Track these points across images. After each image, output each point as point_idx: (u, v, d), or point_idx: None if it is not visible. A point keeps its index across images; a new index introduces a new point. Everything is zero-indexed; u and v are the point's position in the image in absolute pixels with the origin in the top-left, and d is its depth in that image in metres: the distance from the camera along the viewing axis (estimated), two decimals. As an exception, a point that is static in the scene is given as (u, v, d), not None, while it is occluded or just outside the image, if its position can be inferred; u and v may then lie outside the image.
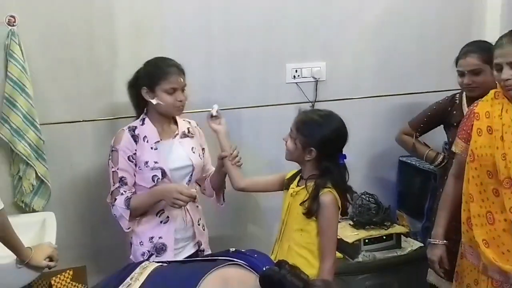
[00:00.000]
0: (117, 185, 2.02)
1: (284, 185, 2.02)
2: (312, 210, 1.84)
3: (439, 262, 2.10)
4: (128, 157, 2.02)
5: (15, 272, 1.78)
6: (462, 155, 2.00)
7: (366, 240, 2.60)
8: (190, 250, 2.14)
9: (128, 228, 2.04)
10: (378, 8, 2.75)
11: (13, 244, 1.71)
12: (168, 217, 2.07)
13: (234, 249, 1.32)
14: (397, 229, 2.69)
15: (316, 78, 2.70)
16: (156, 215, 2.07)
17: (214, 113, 2.18)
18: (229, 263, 1.23)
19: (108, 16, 2.36)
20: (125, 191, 2.02)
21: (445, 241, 2.10)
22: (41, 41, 2.27)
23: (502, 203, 1.81)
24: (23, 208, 2.29)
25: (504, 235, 1.82)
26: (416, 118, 2.56)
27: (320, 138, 1.85)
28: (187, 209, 2.09)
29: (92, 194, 2.39)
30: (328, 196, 1.84)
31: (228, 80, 2.59)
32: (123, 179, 2.02)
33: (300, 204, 1.87)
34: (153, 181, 2.02)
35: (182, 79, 2.05)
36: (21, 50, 2.19)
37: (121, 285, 1.23)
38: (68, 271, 2.34)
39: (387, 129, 2.84)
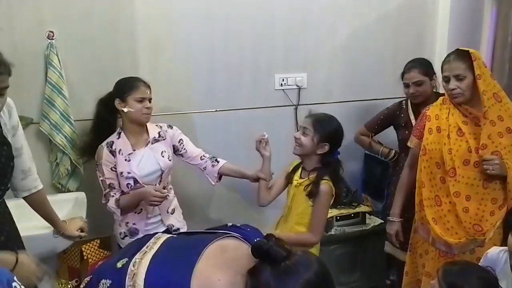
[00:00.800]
0: (107, 190, 1.98)
1: (288, 179, 1.97)
2: (312, 192, 1.81)
3: (395, 235, 2.11)
4: (110, 168, 1.97)
5: (53, 240, 1.76)
6: (416, 149, 2.01)
7: (338, 217, 2.60)
8: (159, 229, 2.07)
9: (120, 217, 2.04)
10: (346, 31, 2.75)
11: (51, 218, 1.69)
12: (141, 208, 2.03)
13: (231, 224, 1.31)
14: (362, 208, 2.69)
15: (299, 86, 2.68)
16: (138, 203, 2.02)
17: (265, 140, 2.02)
18: (227, 235, 1.21)
19: (130, 34, 2.33)
20: (115, 194, 1.98)
21: (400, 219, 2.10)
22: (75, 52, 2.24)
23: (447, 188, 1.82)
24: (60, 189, 2.26)
25: (449, 215, 1.83)
26: (371, 121, 2.56)
27: (333, 135, 1.85)
28: None
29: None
30: (325, 185, 1.81)
31: (226, 86, 2.57)
32: (111, 185, 1.98)
33: (304, 189, 1.84)
34: (127, 187, 1.97)
35: (149, 92, 1.99)
36: (59, 60, 2.16)
37: (139, 252, 1.20)
38: (96, 240, 2.32)
39: (355, 128, 2.83)
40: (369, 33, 2.80)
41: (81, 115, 2.27)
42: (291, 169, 1.99)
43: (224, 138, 2.61)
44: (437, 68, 2.92)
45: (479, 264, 1.64)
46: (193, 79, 2.49)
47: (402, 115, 2.40)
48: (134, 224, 2.04)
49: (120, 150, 1.98)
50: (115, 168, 1.97)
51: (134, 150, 1.99)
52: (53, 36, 2.15)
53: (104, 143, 1.99)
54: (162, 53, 2.40)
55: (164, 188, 2.02)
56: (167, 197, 2.00)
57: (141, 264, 1.15)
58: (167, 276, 1.10)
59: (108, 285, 1.15)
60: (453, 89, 1.79)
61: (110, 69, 2.29)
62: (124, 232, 2.05)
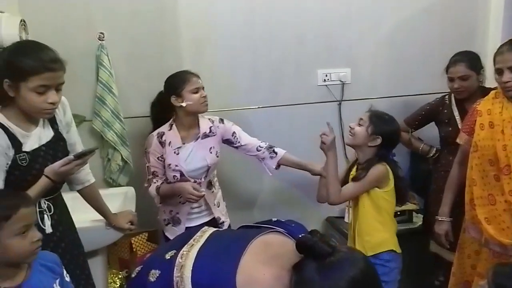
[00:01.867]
0: (150, 176, 2.05)
1: (346, 179, 1.94)
2: (361, 173, 1.81)
3: (445, 235, 2.02)
4: (157, 158, 2.02)
5: (104, 232, 1.82)
6: (465, 146, 1.91)
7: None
8: (204, 218, 2.12)
9: (160, 203, 2.09)
10: (390, 24, 2.66)
11: (102, 210, 1.75)
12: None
13: (275, 219, 1.31)
14: (409, 206, 2.60)
15: (342, 82, 2.63)
16: (178, 196, 2.04)
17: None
18: (271, 230, 1.22)
19: (174, 35, 2.37)
20: (157, 181, 2.04)
21: (450, 218, 2.01)
22: (123, 52, 2.31)
23: (502, 187, 1.72)
24: (111, 183, 2.35)
25: (504, 214, 1.72)
26: (411, 116, 2.44)
27: (387, 130, 1.84)
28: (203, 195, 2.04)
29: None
30: (380, 166, 1.81)
31: (269, 83, 2.56)
32: (154, 172, 2.04)
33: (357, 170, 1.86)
34: (174, 179, 2.01)
35: (200, 81, 2.01)
36: (109, 60, 2.24)
37: (186, 245, 1.23)
38: (144, 233, 2.39)
39: (400, 123, 2.75)
40: (414, 26, 2.69)
41: (129, 112, 2.35)
42: (348, 167, 1.98)
43: (267, 135, 2.57)
44: (489, 61, 2.79)
45: None
46: (236, 76, 2.51)
47: (445, 110, 2.29)
48: (177, 213, 2.09)
49: (170, 142, 2.00)
50: (162, 158, 2.01)
51: (184, 144, 2.02)
52: (103, 37, 2.24)
53: (155, 133, 2.03)
54: (205, 51, 2.43)
55: (210, 182, 2.06)
56: (204, 196, 2.00)
57: (188, 257, 1.17)
58: (213, 270, 1.12)
59: (158, 275, 1.19)
60: (507, 82, 1.68)
61: (156, 68, 2.34)
62: (168, 219, 2.11)
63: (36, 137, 1.43)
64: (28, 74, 1.31)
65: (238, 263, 1.09)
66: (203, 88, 2.01)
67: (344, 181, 1.92)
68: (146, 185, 2.08)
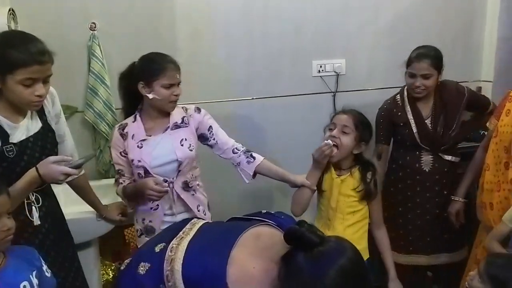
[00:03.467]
0: (117, 176, 1.82)
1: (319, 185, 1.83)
2: (373, 193, 1.77)
3: (456, 215, 2.02)
4: (120, 153, 1.77)
5: (96, 224, 1.83)
6: (493, 131, 1.85)
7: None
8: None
9: (131, 208, 1.86)
10: (388, 14, 2.61)
11: (93, 202, 1.75)
12: (157, 205, 1.77)
13: (265, 211, 1.30)
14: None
15: (337, 73, 2.60)
16: (149, 201, 1.76)
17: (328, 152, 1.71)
18: (261, 223, 1.21)
19: (171, 24, 2.34)
20: (124, 181, 1.79)
21: (465, 199, 2.00)
22: (117, 42, 2.28)
23: (507, 175, 1.69)
24: (103, 174, 2.33)
25: (504, 202, 1.71)
26: (376, 133, 2.16)
27: (370, 135, 1.79)
28: (181, 198, 1.78)
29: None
30: (378, 180, 1.81)
31: (264, 74, 2.53)
32: (119, 171, 1.79)
33: (358, 191, 1.75)
34: (139, 176, 1.75)
35: (178, 75, 1.73)
36: (101, 50, 2.21)
37: (175, 237, 1.22)
38: (137, 224, 2.37)
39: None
40: (414, 15, 2.64)
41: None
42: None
43: (262, 125, 2.58)
44: (486, 50, 2.76)
45: None
46: (232, 67, 2.48)
47: (399, 113, 2.11)
48: (150, 221, 1.80)
49: (133, 134, 1.75)
50: (125, 154, 1.76)
51: (150, 136, 1.75)
52: (95, 27, 2.21)
53: (117, 125, 1.81)
54: (202, 42, 2.40)
55: (187, 184, 1.78)
56: (167, 192, 1.71)
57: (178, 250, 1.16)
58: (204, 263, 1.11)
59: (147, 268, 1.18)
60: None
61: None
62: (141, 230, 1.83)
63: (23, 129, 1.41)
64: (15, 66, 1.28)
65: (228, 255, 1.08)
66: (178, 84, 1.74)
67: (318, 187, 1.81)
68: (114, 185, 1.84)
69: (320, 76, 2.60)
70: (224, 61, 2.45)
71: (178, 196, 1.78)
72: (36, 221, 1.42)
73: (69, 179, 1.50)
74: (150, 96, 1.70)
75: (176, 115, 1.79)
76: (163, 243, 1.21)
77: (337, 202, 1.77)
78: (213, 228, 1.30)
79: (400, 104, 2.13)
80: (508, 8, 2.53)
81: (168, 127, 1.77)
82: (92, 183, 1.80)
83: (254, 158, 1.84)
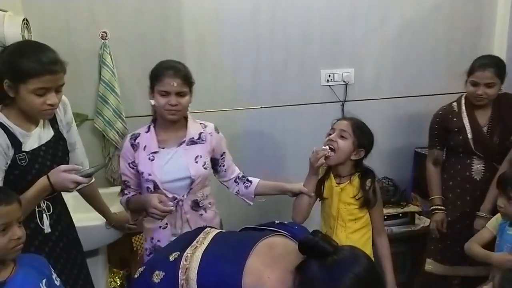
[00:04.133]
0: (122, 186, 1.74)
1: (318, 193, 1.81)
2: (372, 200, 1.75)
3: None
4: (129, 164, 1.68)
5: (105, 231, 1.83)
6: None
7: (385, 216, 2.49)
8: None
9: (135, 220, 1.82)
10: (395, 24, 2.63)
11: (102, 210, 1.76)
12: (167, 223, 1.68)
13: (278, 221, 1.30)
14: (411, 208, 2.58)
15: (346, 82, 2.61)
16: (158, 219, 1.67)
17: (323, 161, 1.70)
18: (275, 233, 1.21)
19: (178, 31, 2.36)
20: (129, 192, 1.72)
21: (491, 216, 1.96)
22: (126, 51, 2.31)
23: None
24: (112, 182, 2.34)
25: None
26: (429, 138, 2.24)
27: (370, 142, 1.76)
28: (187, 218, 1.69)
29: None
30: (377, 185, 1.79)
31: (272, 82, 2.54)
32: (126, 182, 1.72)
33: (357, 199, 1.74)
34: (147, 190, 1.66)
35: (175, 83, 1.59)
36: (111, 59, 2.24)
37: (189, 246, 1.22)
38: (145, 232, 2.38)
39: (404, 124, 2.74)
40: (421, 25, 2.66)
41: (132, 111, 2.35)
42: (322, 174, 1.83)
43: (270, 135, 2.59)
44: (502, 58, 2.73)
45: None
46: (239, 75, 2.50)
47: (455, 119, 2.13)
48: (158, 241, 1.70)
49: (145, 146, 1.66)
50: (134, 165, 1.67)
51: (163, 148, 1.66)
52: (106, 36, 2.23)
53: (129, 134, 1.73)
54: (209, 50, 2.42)
55: (197, 203, 1.70)
56: (171, 212, 1.60)
57: (193, 259, 1.17)
58: (219, 272, 1.12)
59: (162, 276, 1.18)
60: None
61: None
62: (150, 249, 1.73)
63: (36, 137, 1.42)
64: (27, 76, 1.29)
65: (244, 265, 1.09)
66: (178, 94, 1.61)
67: (317, 194, 1.80)
68: (118, 195, 1.77)
69: (329, 85, 2.60)
70: (231, 69, 2.47)
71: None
72: (47, 229, 1.43)
73: (79, 187, 1.51)
74: (152, 102, 1.66)
75: (194, 130, 1.71)
76: (177, 252, 1.22)
77: (338, 210, 1.76)
78: (227, 238, 1.30)
79: (457, 110, 2.14)
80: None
81: (184, 141, 1.68)
82: (101, 191, 1.81)
83: (250, 182, 1.81)
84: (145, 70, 2.31)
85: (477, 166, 2.10)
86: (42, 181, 1.37)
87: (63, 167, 1.39)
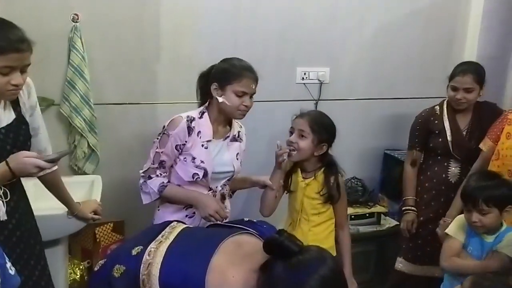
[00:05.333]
0: (155, 165, 1.69)
1: (285, 186, 1.87)
2: (335, 196, 1.80)
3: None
4: (176, 146, 1.65)
5: (66, 221, 1.76)
6: (488, 153, 1.91)
7: (352, 216, 2.53)
8: None
9: (146, 203, 1.77)
10: (372, 27, 2.66)
11: (64, 199, 1.69)
12: (194, 213, 1.72)
13: (247, 219, 1.29)
14: (378, 208, 2.63)
15: (320, 81, 2.61)
16: (183, 208, 1.73)
17: (285, 157, 1.78)
18: (243, 231, 1.20)
19: (154, 21, 2.29)
20: (161, 174, 1.69)
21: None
22: (99, 36, 2.22)
23: None
24: (76, 171, 2.26)
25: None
26: (410, 139, 2.31)
27: (331, 135, 1.79)
28: None
29: (133, 163, 2.33)
30: (341, 180, 1.83)
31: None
32: (163, 162, 1.68)
33: (322, 194, 1.78)
34: (193, 178, 1.65)
35: (254, 86, 1.68)
36: (82, 43, 2.15)
37: (153, 241, 1.19)
38: (109, 223, 2.31)
39: (375, 126, 2.78)
40: (398, 30, 2.70)
41: (101, 99, 2.27)
42: (288, 168, 1.87)
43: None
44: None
45: None
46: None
47: (436, 121, 2.21)
48: None
49: (199, 132, 1.67)
50: (181, 148, 1.66)
51: (213, 139, 1.70)
52: (77, 19, 2.14)
53: (184, 115, 1.67)
54: (185, 41, 2.36)
55: (224, 196, 1.78)
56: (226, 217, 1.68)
57: (156, 254, 1.14)
58: (183, 269, 1.09)
59: (122, 271, 1.15)
60: None
61: (133, 55, 2.28)
62: None
63: (-5, 119, 1.35)
64: None
65: (208, 263, 1.07)
66: (252, 95, 1.68)
67: (285, 187, 1.85)
68: (142, 174, 1.71)
69: (304, 83, 2.61)
70: (206, 62, 2.40)
71: None
72: (3, 216, 1.36)
73: (42, 173, 1.45)
74: (220, 99, 1.65)
75: (235, 128, 1.79)
76: (141, 246, 1.18)
77: (302, 204, 1.80)
78: (193, 234, 1.28)
79: (438, 113, 2.21)
80: (488, 28, 2.61)
81: (228, 136, 1.75)
82: (65, 179, 1.73)
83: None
84: (118, 56, 2.28)
85: (454, 169, 2.17)
86: (1, 167, 1.30)
87: (24, 153, 1.33)
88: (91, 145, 2.23)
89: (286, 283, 0.98)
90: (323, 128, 1.77)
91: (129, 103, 2.32)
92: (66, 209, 1.73)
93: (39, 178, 1.59)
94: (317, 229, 1.81)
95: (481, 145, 1.98)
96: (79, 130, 2.18)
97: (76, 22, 2.14)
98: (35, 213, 1.56)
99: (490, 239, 1.68)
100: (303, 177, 1.82)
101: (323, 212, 1.82)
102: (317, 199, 1.80)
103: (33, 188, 1.75)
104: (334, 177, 1.80)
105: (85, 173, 2.26)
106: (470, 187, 1.70)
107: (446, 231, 1.76)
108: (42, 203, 1.72)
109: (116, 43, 2.25)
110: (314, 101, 2.64)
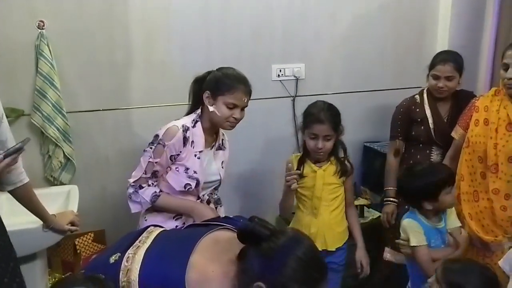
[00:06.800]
0: (148, 175, 1.65)
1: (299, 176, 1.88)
2: (347, 170, 1.92)
3: None
4: (171, 156, 1.63)
5: (42, 234, 1.71)
6: (459, 141, 1.93)
7: (335, 210, 2.54)
8: None
9: (135, 212, 1.72)
10: (346, 21, 2.66)
11: (38, 212, 1.64)
12: (184, 223, 1.70)
13: (224, 216, 1.28)
14: (361, 201, 2.64)
15: (296, 77, 2.61)
16: (173, 218, 1.71)
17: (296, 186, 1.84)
18: (220, 227, 1.19)
19: (124, 25, 2.24)
20: (153, 183, 1.66)
21: None
22: (67, 43, 2.15)
23: (487, 184, 1.74)
24: (52, 182, 2.20)
25: (485, 211, 1.76)
26: (392, 129, 2.32)
27: (340, 122, 1.89)
28: None
29: (111, 171, 2.32)
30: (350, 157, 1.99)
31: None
32: (156, 172, 1.65)
33: (338, 172, 1.90)
34: (185, 188, 1.65)
35: (246, 99, 1.66)
36: (50, 50, 2.09)
37: (131, 247, 1.17)
38: (89, 233, 2.27)
39: (353, 119, 2.77)
40: (370, 23, 2.71)
41: (74, 107, 2.21)
42: (295, 166, 1.90)
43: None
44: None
45: (502, 261, 1.56)
46: (189, 72, 2.40)
47: (417, 110, 2.23)
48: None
49: (192, 141, 1.65)
50: (175, 158, 1.64)
51: (204, 149, 1.70)
52: (43, 25, 2.08)
53: (179, 124, 1.64)
54: (157, 42, 2.32)
55: (210, 202, 1.78)
56: None
57: (134, 260, 1.12)
58: (162, 271, 1.08)
59: None
60: (510, 79, 1.66)
61: (104, 61, 2.23)
62: None
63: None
64: None
65: (187, 262, 1.06)
66: (243, 108, 1.67)
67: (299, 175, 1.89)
68: (132, 183, 1.66)
69: (280, 80, 2.59)
70: (180, 66, 2.38)
71: None
72: (-28, 235, 1.31)
73: (12, 187, 1.40)
74: (211, 108, 1.64)
75: (220, 136, 1.80)
76: (118, 254, 1.16)
77: (322, 191, 1.88)
78: (170, 236, 1.26)
79: (419, 102, 2.24)
80: (458, 15, 2.64)
81: (214, 145, 1.76)
82: (39, 191, 1.68)
83: None
84: (88, 63, 2.22)
85: (436, 156, 2.20)
86: None
87: None
88: (66, 154, 2.17)
89: (262, 268, 0.99)
90: (339, 122, 1.86)
91: (102, 110, 2.27)
92: (41, 222, 1.68)
93: (11, 193, 1.54)
94: (335, 212, 1.91)
95: (453, 133, 2.00)
96: (54, 139, 2.13)
97: (42, 29, 2.08)
98: (8, 229, 1.50)
99: (441, 224, 1.72)
100: (318, 166, 1.89)
101: (339, 195, 1.91)
102: (334, 183, 1.90)
103: (5, 202, 1.70)
104: (343, 151, 1.93)
105: (62, 183, 2.20)
106: (409, 184, 1.75)
107: (411, 244, 1.69)
108: (16, 218, 1.67)
109: (85, 49, 2.19)
110: (291, 98, 2.63)
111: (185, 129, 1.64)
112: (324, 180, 1.88)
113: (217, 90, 1.64)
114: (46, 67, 2.08)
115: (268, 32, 2.51)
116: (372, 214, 2.62)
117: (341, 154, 1.96)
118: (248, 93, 1.68)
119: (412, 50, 2.80)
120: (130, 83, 2.31)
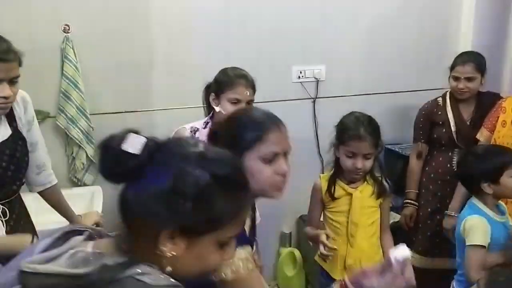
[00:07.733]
0: None
1: (325, 199, 1.72)
2: (384, 189, 1.69)
3: (452, 230, 1.95)
4: None
5: (68, 235, 1.74)
6: (485, 143, 1.91)
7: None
8: None
9: None
10: (366, 22, 2.65)
11: (65, 212, 1.67)
12: None
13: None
14: (382, 204, 2.60)
15: (317, 79, 2.60)
16: None
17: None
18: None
19: (146, 27, 2.28)
20: None
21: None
22: (91, 46, 2.21)
23: None
24: (76, 183, 2.26)
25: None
26: (414, 131, 2.32)
27: (380, 139, 1.68)
28: None
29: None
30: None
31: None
32: None
33: (376, 193, 1.67)
34: None
35: (248, 93, 1.66)
36: (74, 53, 2.14)
37: None
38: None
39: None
40: (391, 22, 2.69)
41: (97, 109, 2.26)
42: (325, 188, 1.71)
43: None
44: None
45: None
46: (209, 73, 2.43)
47: (439, 112, 2.22)
48: None
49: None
50: None
51: None
52: (68, 29, 2.14)
53: (188, 126, 1.67)
54: (178, 46, 2.36)
55: None
56: None
57: None
58: None
59: None
60: None
61: (126, 63, 2.27)
62: None
63: (-10, 135, 1.34)
64: None
65: None
66: (248, 102, 1.66)
67: (321, 207, 1.74)
68: None
69: (300, 82, 2.60)
70: (200, 67, 2.40)
71: None
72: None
73: (41, 188, 1.43)
74: (217, 109, 1.66)
75: None
76: None
77: (360, 217, 1.67)
78: None
79: (441, 105, 2.23)
80: (482, 16, 2.60)
81: None
82: (65, 192, 1.72)
83: None
84: (111, 66, 2.26)
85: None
86: None
87: None
88: (89, 155, 2.22)
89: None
90: (379, 137, 1.65)
91: (125, 111, 2.31)
92: (68, 223, 1.72)
93: (40, 193, 1.58)
94: (373, 239, 1.70)
95: (478, 135, 1.98)
96: (77, 141, 2.17)
97: (68, 32, 2.13)
98: (36, 228, 1.55)
99: (504, 218, 1.65)
100: (352, 187, 1.68)
101: (376, 219, 1.71)
102: (371, 206, 1.69)
103: (33, 203, 1.73)
104: (380, 169, 1.71)
105: (85, 185, 2.25)
106: (466, 168, 1.67)
107: (470, 243, 1.60)
108: (43, 217, 1.70)
109: (108, 52, 2.24)
110: (312, 100, 2.63)
111: (194, 130, 1.67)
112: (362, 203, 1.66)
113: (219, 89, 1.67)
114: (71, 70, 2.13)
115: (288, 33, 2.52)
116: (393, 217, 2.59)
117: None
118: (250, 86, 1.67)
119: (434, 51, 2.76)
120: (152, 85, 2.35)
